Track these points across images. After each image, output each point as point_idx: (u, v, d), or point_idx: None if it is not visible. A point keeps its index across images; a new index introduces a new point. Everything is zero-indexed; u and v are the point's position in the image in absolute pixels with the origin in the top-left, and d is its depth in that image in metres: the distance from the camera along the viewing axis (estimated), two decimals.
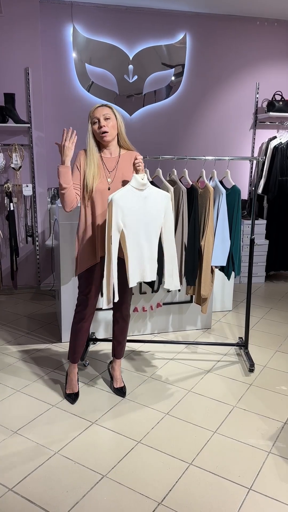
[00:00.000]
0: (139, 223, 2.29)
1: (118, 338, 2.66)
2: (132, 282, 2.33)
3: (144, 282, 2.87)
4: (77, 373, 2.66)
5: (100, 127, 2.32)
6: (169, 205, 2.38)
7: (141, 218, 2.30)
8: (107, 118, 2.33)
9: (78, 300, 2.52)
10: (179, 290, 3.40)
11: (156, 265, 2.39)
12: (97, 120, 2.33)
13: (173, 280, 2.48)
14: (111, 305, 2.32)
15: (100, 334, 3.36)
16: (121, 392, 2.63)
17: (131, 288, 2.56)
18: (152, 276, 2.38)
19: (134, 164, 2.32)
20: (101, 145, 2.41)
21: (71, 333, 2.57)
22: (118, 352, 2.70)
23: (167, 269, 2.46)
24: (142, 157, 2.39)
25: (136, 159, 2.31)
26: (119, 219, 2.23)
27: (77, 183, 2.36)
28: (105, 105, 2.38)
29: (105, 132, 2.32)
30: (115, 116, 2.37)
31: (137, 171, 2.31)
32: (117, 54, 4.39)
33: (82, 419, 2.39)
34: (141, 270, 2.36)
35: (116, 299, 2.30)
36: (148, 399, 2.58)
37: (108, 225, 2.23)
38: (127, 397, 2.60)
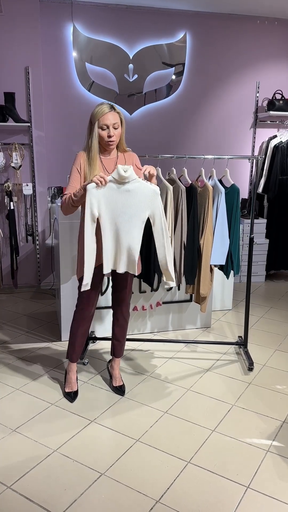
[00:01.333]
0: (116, 215, 2.27)
1: (118, 337, 2.67)
2: (106, 270, 2.34)
3: (143, 281, 2.88)
4: (76, 371, 2.66)
5: (109, 136, 2.30)
6: (157, 201, 2.30)
7: (121, 210, 2.27)
8: (116, 128, 2.32)
9: (78, 300, 2.52)
10: (178, 289, 3.40)
11: (136, 259, 2.33)
12: (106, 127, 2.29)
13: (171, 275, 2.44)
14: (86, 287, 2.31)
15: (99, 333, 3.36)
16: (120, 390, 2.63)
17: (130, 286, 2.57)
18: (126, 268, 2.35)
19: (145, 175, 2.30)
20: (101, 147, 2.39)
21: (71, 333, 2.57)
22: (117, 351, 2.70)
23: (161, 266, 2.41)
24: (144, 166, 2.35)
25: (144, 169, 2.28)
26: (95, 208, 2.24)
27: (77, 187, 2.34)
28: (114, 110, 2.31)
29: (112, 141, 2.32)
30: (122, 124, 2.35)
31: (151, 179, 2.31)
32: (117, 53, 4.39)
33: (81, 417, 2.39)
34: (115, 260, 2.34)
35: (88, 287, 2.31)
36: (147, 398, 2.58)
37: (82, 213, 2.28)
38: (126, 396, 2.60)
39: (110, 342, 2.87)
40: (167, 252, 2.39)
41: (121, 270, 2.36)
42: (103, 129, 2.30)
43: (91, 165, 2.34)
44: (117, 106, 2.35)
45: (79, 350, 2.60)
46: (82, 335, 2.56)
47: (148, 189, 2.28)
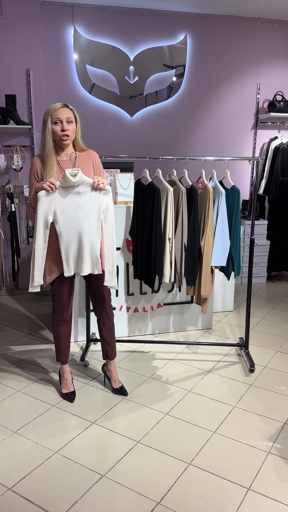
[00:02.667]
0: (71, 218, 2.29)
1: (108, 340, 2.65)
2: (66, 273, 2.35)
3: (144, 282, 2.88)
4: (70, 372, 2.67)
5: (63, 129, 2.28)
6: (109, 200, 2.35)
7: (75, 214, 2.29)
8: (70, 122, 2.30)
9: (53, 303, 2.52)
10: (179, 290, 3.40)
11: (99, 257, 2.35)
12: (59, 121, 2.28)
13: (113, 276, 2.42)
14: (36, 289, 2.34)
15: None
16: (121, 391, 2.64)
17: (103, 285, 2.49)
18: (91, 270, 2.36)
19: (96, 188, 2.29)
20: (56, 148, 2.36)
21: (54, 336, 2.59)
22: (110, 354, 2.67)
23: (107, 266, 2.42)
24: (103, 177, 2.39)
25: (97, 184, 2.27)
26: (48, 215, 2.27)
27: None
28: (67, 107, 2.31)
29: (67, 135, 2.30)
30: (76, 120, 2.34)
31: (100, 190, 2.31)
32: (118, 55, 4.40)
33: (82, 419, 2.39)
34: (78, 263, 2.35)
35: (38, 289, 2.34)
36: (148, 399, 2.58)
37: (35, 220, 2.30)
38: (127, 397, 2.60)
39: None
40: (110, 248, 2.42)
41: (85, 272, 2.35)
42: (56, 124, 2.28)
43: (47, 166, 2.30)
44: (70, 105, 2.35)
45: (66, 351, 2.61)
46: (64, 336, 2.57)
47: (104, 194, 2.34)
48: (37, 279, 2.33)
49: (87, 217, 2.31)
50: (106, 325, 2.62)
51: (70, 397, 2.57)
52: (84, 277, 2.51)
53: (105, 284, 2.42)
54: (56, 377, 2.82)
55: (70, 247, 2.33)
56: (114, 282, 2.42)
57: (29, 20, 3.96)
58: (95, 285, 2.53)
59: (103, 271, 2.40)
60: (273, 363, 3.05)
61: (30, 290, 2.34)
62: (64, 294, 2.48)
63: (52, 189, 2.22)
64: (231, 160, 2.87)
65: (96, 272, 2.37)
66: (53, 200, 2.27)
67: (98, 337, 3.29)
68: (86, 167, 2.39)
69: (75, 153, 2.34)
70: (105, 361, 2.73)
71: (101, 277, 2.43)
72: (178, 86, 4.63)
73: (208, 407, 2.52)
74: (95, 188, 2.29)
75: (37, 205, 2.26)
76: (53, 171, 2.30)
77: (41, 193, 2.25)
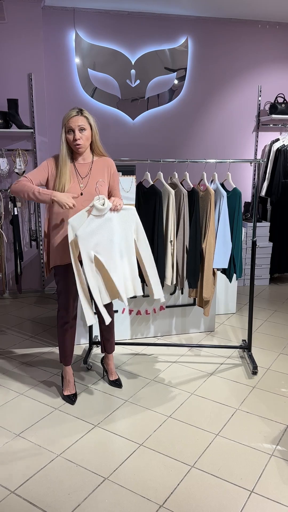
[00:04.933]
0: (110, 246, 2.34)
1: (108, 337, 2.73)
2: (125, 299, 2.40)
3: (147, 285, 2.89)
4: (73, 374, 2.69)
5: (75, 139, 2.33)
6: (137, 217, 2.43)
7: (111, 240, 2.34)
8: (82, 129, 2.34)
9: (59, 303, 2.54)
10: (182, 293, 3.40)
11: (139, 279, 2.46)
12: (71, 131, 2.33)
13: (159, 288, 2.55)
14: (93, 322, 2.37)
15: None
16: (117, 383, 2.72)
17: None
18: (139, 291, 2.46)
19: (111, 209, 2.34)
20: (74, 152, 2.42)
21: (59, 337, 2.60)
22: (108, 348, 2.76)
23: (152, 280, 2.51)
24: (119, 200, 2.41)
25: (114, 207, 2.33)
26: (90, 250, 2.28)
27: (39, 179, 2.38)
28: (81, 113, 2.35)
29: (79, 145, 2.34)
30: (90, 126, 2.37)
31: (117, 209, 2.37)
32: (119, 59, 4.42)
33: (85, 422, 2.40)
34: (128, 287, 2.42)
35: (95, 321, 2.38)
36: (151, 402, 2.58)
37: (75, 259, 2.27)
38: (130, 400, 2.60)
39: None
40: (153, 263, 2.51)
41: (138, 293, 2.46)
42: (69, 133, 2.34)
43: (61, 171, 2.35)
44: (86, 111, 2.38)
45: (70, 352, 2.63)
46: (69, 337, 2.59)
47: (126, 210, 2.38)
48: (92, 317, 2.35)
49: (123, 240, 2.39)
50: (107, 323, 2.63)
51: (71, 399, 2.58)
52: None
53: (155, 298, 2.53)
54: (58, 380, 2.82)
55: (118, 272, 2.37)
56: (162, 293, 2.55)
57: (31, 25, 3.98)
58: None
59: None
60: (276, 365, 3.04)
61: (90, 323, 2.35)
62: (70, 295, 2.50)
63: (71, 207, 2.25)
64: (233, 162, 2.88)
65: (138, 294, 2.46)
66: (89, 234, 2.27)
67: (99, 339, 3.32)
68: (101, 174, 2.44)
69: (101, 180, 2.43)
70: (103, 354, 2.82)
71: None
72: (180, 89, 4.64)
73: (210, 409, 2.52)
74: (114, 210, 2.34)
75: (77, 243, 2.25)
76: (66, 176, 2.36)
77: (80, 232, 2.24)
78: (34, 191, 2.30)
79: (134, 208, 2.43)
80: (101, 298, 2.36)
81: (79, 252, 2.27)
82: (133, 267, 2.44)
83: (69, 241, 2.27)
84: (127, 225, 2.40)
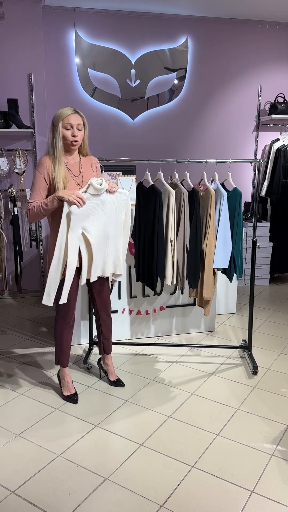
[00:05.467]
0: (100, 226, 2.39)
1: (107, 336, 2.74)
2: (93, 277, 2.45)
3: (147, 285, 2.88)
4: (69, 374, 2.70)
5: (73, 135, 2.36)
6: (129, 203, 2.50)
7: (102, 221, 2.38)
8: (79, 129, 2.38)
9: (60, 309, 2.52)
10: (182, 293, 3.39)
11: (121, 261, 2.51)
12: (70, 127, 2.35)
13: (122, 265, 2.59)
14: (64, 301, 2.39)
15: None
16: (119, 383, 2.73)
17: (108, 283, 2.65)
18: (120, 270, 2.52)
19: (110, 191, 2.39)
20: (64, 150, 2.43)
21: (58, 338, 2.58)
22: (108, 348, 2.77)
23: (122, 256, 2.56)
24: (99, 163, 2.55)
25: (111, 188, 2.38)
26: (79, 228, 2.31)
27: (43, 195, 2.38)
28: (78, 113, 2.39)
29: (76, 141, 2.38)
30: (85, 127, 2.43)
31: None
32: (119, 59, 4.42)
33: (85, 422, 2.39)
34: (103, 266, 2.47)
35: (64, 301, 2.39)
36: (151, 402, 2.58)
37: (62, 233, 2.28)
38: (130, 400, 2.60)
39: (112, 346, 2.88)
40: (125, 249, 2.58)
41: (108, 273, 2.50)
42: (67, 129, 2.35)
43: (57, 167, 2.36)
44: (80, 112, 2.43)
45: (68, 354, 2.63)
46: (67, 339, 2.59)
47: (121, 195, 2.43)
48: (66, 296, 2.37)
49: (113, 222, 2.43)
50: (107, 322, 2.70)
51: (73, 398, 2.58)
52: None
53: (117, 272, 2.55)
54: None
55: (102, 252, 2.42)
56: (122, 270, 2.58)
57: (31, 25, 3.98)
58: (99, 284, 2.59)
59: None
60: (276, 365, 3.04)
61: (61, 302, 2.38)
62: (70, 297, 2.49)
63: (80, 204, 2.27)
64: (233, 162, 2.87)
65: (118, 272, 2.52)
66: (82, 212, 2.30)
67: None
68: (90, 172, 2.51)
69: (96, 162, 2.53)
70: (100, 356, 2.82)
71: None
72: (180, 89, 4.64)
73: (211, 409, 2.52)
74: (110, 191, 2.38)
75: (65, 218, 2.27)
76: (62, 174, 2.36)
77: (73, 208, 2.26)
78: (41, 206, 2.32)
79: (128, 193, 2.47)
80: (82, 276, 2.42)
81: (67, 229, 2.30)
82: (117, 249, 2.48)
83: (63, 214, 2.27)
84: (119, 210, 2.44)
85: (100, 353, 2.81)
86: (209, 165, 2.85)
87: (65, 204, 2.26)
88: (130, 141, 4.62)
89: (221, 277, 3.67)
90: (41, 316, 3.89)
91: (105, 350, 2.76)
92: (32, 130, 4.03)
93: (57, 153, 2.36)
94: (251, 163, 4.96)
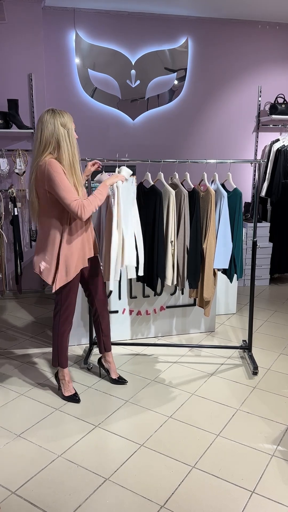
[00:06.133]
0: (127, 216, 2.50)
1: (106, 332, 2.75)
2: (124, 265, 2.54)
3: (147, 285, 2.88)
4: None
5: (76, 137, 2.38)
6: (135, 188, 2.66)
7: (126, 211, 2.51)
8: None
9: (65, 305, 2.50)
10: (182, 293, 3.39)
11: (134, 252, 2.56)
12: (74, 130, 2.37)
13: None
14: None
15: None
16: (121, 381, 2.76)
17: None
18: (130, 262, 2.53)
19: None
20: None
21: (59, 339, 2.57)
22: (108, 345, 2.78)
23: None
24: None
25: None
26: (122, 218, 2.45)
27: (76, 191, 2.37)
28: None
29: None
30: None
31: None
32: (119, 59, 4.42)
33: (85, 422, 2.39)
34: (131, 258, 2.54)
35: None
36: (151, 402, 2.58)
37: (117, 211, 2.41)
38: (130, 400, 2.60)
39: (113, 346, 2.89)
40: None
41: (126, 263, 2.57)
42: (75, 130, 2.39)
43: (75, 168, 2.32)
44: None
45: (67, 354, 2.64)
46: (67, 340, 2.60)
47: (129, 182, 2.59)
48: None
49: (130, 209, 2.57)
50: (106, 318, 2.72)
51: (75, 398, 2.58)
52: (88, 273, 2.60)
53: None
54: None
55: (127, 239, 2.52)
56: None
57: (31, 25, 3.98)
58: (99, 280, 2.63)
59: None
60: (276, 365, 3.04)
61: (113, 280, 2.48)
62: (74, 298, 2.52)
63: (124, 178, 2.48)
64: (233, 162, 2.87)
65: (133, 264, 2.57)
66: (123, 192, 2.49)
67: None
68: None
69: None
70: (101, 355, 2.83)
71: (100, 271, 2.62)
72: (180, 89, 4.64)
73: (211, 410, 2.52)
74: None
75: (115, 197, 2.42)
76: (80, 177, 2.35)
77: (120, 183, 2.45)
78: (97, 198, 2.34)
79: (132, 178, 2.63)
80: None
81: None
82: (135, 238, 2.58)
83: (116, 205, 2.41)
84: (130, 196, 2.57)
85: (100, 352, 2.81)
86: (209, 166, 2.85)
87: (115, 187, 2.41)
88: (130, 142, 4.62)
89: (221, 278, 3.67)
90: (41, 317, 3.89)
91: (105, 347, 2.78)
92: (32, 130, 4.03)
93: (76, 154, 2.33)
94: (251, 163, 4.96)
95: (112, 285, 2.47)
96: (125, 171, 2.52)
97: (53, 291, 2.42)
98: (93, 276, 2.62)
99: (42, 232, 2.41)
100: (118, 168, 2.55)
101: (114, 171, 2.57)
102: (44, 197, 2.31)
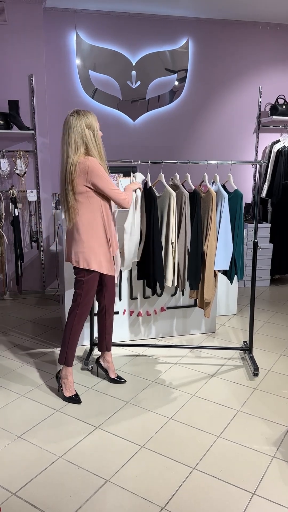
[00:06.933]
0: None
1: (109, 330, 2.80)
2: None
3: (147, 286, 2.88)
4: None
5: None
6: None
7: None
8: None
9: (83, 303, 2.53)
10: (182, 294, 3.39)
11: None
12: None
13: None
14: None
15: None
16: (119, 380, 2.78)
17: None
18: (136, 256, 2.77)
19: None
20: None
21: (71, 337, 2.58)
22: (110, 344, 2.82)
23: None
24: None
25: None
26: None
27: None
28: None
29: None
30: None
31: None
32: (120, 60, 4.42)
33: (86, 423, 2.39)
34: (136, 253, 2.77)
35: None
36: (152, 404, 2.58)
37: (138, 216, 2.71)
38: (131, 402, 2.60)
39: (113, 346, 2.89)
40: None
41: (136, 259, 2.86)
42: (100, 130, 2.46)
43: (102, 165, 2.43)
44: None
45: (75, 352, 2.65)
46: (79, 337, 2.63)
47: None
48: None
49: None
50: (111, 315, 2.78)
51: (76, 399, 2.58)
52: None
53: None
54: None
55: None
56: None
57: (31, 26, 3.98)
58: (111, 281, 2.69)
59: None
60: (277, 366, 3.04)
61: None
62: (93, 295, 2.59)
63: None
64: (234, 163, 2.87)
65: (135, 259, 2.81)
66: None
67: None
68: None
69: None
70: (100, 354, 2.87)
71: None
72: (180, 90, 4.65)
73: (212, 411, 2.52)
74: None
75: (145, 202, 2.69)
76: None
77: (139, 192, 2.70)
78: (126, 191, 2.58)
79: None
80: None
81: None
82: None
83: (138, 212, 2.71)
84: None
85: (101, 351, 2.82)
86: (210, 167, 2.85)
87: (137, 192, 2.67)
88: (131, 143, 4.62)
89: (222, 279, 3.67)
90: (42, 318, 3.89)
91: (107, 346, 2.81)
92: (33, 131, 4.04)
93: (102, 155, 2.44)
94: (252, 164, 4.96)
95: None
96: (139, 177, 2.74)
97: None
98: (111, 277, 2.68)
99: (82, 224, 2.45)
100: (133, 174, 2.75)
101: (114, 172, 2.59)
102: (83, 193, 2.40)
